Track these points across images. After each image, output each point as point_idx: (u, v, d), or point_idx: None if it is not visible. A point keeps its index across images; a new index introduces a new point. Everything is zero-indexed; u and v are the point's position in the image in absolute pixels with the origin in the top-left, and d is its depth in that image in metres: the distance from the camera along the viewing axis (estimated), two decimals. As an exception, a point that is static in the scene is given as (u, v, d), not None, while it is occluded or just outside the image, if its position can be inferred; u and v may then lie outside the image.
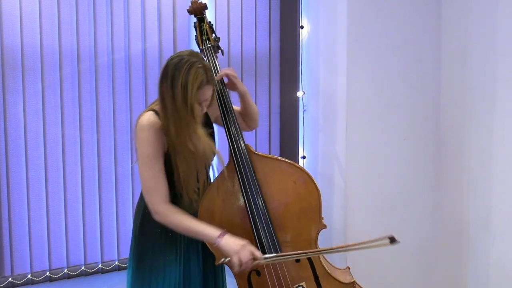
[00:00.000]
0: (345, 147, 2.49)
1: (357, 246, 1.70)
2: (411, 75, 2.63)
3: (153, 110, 1.72)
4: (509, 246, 2.38)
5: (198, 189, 1.78)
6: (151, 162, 1.68)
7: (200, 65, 1.66)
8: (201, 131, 1.71)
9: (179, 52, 1.74)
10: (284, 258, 1.75)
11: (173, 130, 1.67)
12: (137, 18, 2.36)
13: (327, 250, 1.86)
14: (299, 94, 2.68)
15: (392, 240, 1.63)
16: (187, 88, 1.63)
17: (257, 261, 1.65)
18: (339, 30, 2.48)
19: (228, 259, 1.64)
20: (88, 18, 2.27)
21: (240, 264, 1.62)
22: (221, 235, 1.66)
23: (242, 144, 1.83)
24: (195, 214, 1.78)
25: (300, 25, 2.65)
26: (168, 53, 2.40)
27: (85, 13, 2.26)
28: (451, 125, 2.66)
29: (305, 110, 2.70)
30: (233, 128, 1.84)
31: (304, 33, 2.66)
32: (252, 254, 1.65)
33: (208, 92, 1.71)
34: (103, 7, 2.29)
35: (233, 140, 1.83)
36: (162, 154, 1.72)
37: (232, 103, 1.91)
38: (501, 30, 2.35)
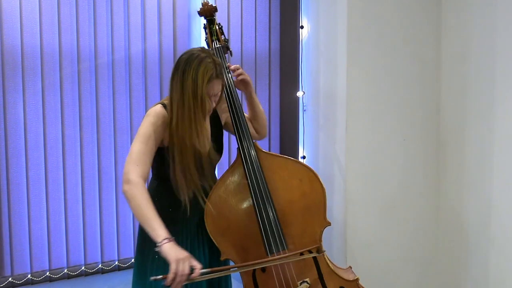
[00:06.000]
0: (345, 147, 2.49)
1: (288, 259, 1.77)
2: (411, 75, 2.63)
3: (162, 104, 1.79)
4: (509, 246, 2.38)
5: (198, 188, 1.78)
6: (145, 139, 1.70)
7: (210, 60, 1.72)
8: (202, 128, 1.74)
9: (190, 49, 1.80)
10: (218, 274, 1.69)
11: (175, 122, 1.71)
12: (137, 18, 2.36)
13: (259, 262, 1.75)
14: (299, 94, 2.68)
15: (319, 250, 1.79)
16: (197, 81, 1.68)
17: (193, 275, 1.54)
18: (339, 30, 2.48)
19: (160, 276, 1.52)
20: (88, 18, 2.27)
21: (176, 273, 1.51)
22: (168, 239, 1.55)
23: (253, 152, 1.87)
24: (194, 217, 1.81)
25: (300, 25, 2.64)
26: (168, 53, 2.41)
27: (85, 13, 2.26)
28: (451, 125, 2.66)
29: (305, 110, 2.70)
30: (245, 139, 1.88)
31: (304, 33, 2.66)
32: (191, 267, 1.54)
33: (217, 86, 1.76)
34: (103, 7, 2.29)
35: (244, 149, 1.87)
36: (157, 143, 1.75)
37: (243, 111, 1.94)
38: (501, 30, 2.35)
